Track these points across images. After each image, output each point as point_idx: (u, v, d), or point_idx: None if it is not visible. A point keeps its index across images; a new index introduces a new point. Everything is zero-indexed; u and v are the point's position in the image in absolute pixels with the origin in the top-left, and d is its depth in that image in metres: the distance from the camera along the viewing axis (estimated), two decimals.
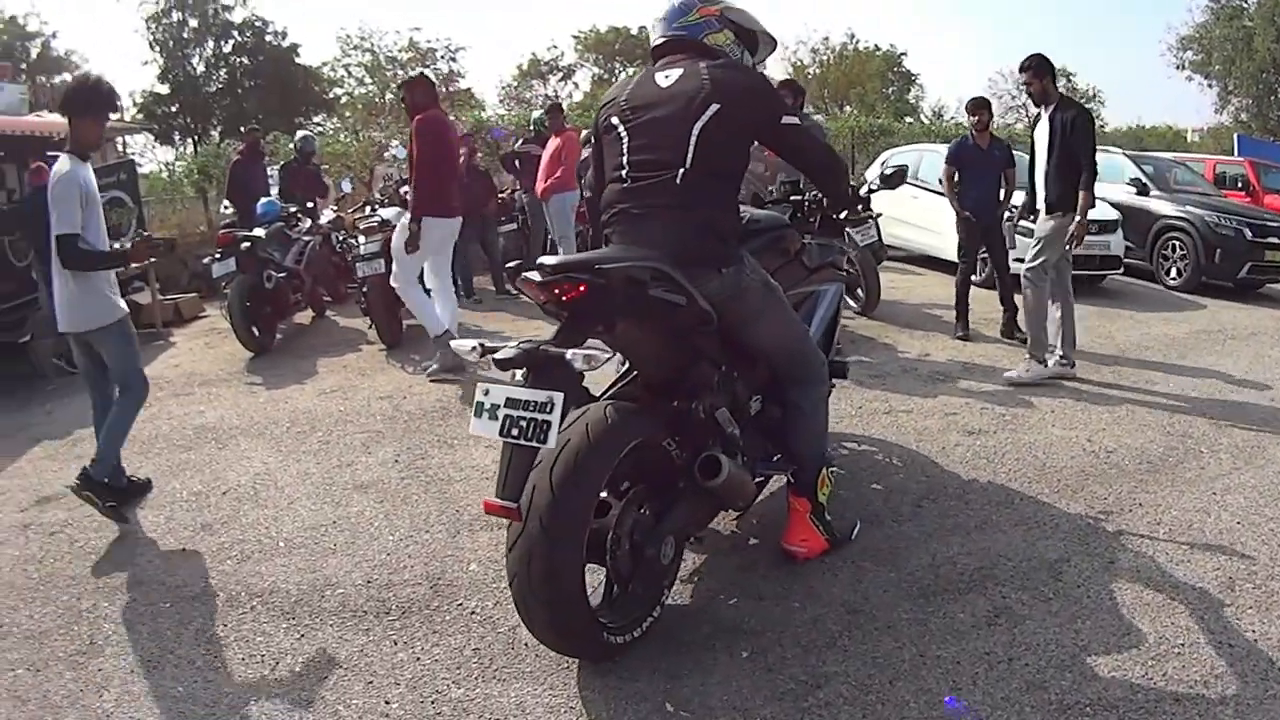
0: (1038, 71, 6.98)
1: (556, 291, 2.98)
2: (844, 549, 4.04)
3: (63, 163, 4.76)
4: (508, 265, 3.75)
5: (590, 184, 4.02)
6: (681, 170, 3.28)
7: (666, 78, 3.44)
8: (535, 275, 2.99)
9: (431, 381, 7.23)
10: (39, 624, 3.83)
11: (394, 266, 7.49)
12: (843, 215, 4.73)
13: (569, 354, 2.87)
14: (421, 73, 8.07)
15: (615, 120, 3.50)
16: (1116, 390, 6.72)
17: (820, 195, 4.47)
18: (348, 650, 3.45)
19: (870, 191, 4.83)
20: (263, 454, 5.76)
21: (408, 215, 7.22)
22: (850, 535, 4.11)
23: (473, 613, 3.67)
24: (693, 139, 3.28)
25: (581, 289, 2.97)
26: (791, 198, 4.69)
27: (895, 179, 4.82)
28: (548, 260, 3.02)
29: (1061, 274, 7.07)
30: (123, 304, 4.96)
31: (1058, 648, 3.27)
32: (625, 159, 3.41)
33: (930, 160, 11.65)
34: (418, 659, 3.36)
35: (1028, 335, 7.36)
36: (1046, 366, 7.03)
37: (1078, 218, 6.70)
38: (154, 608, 3.87)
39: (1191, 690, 3.02)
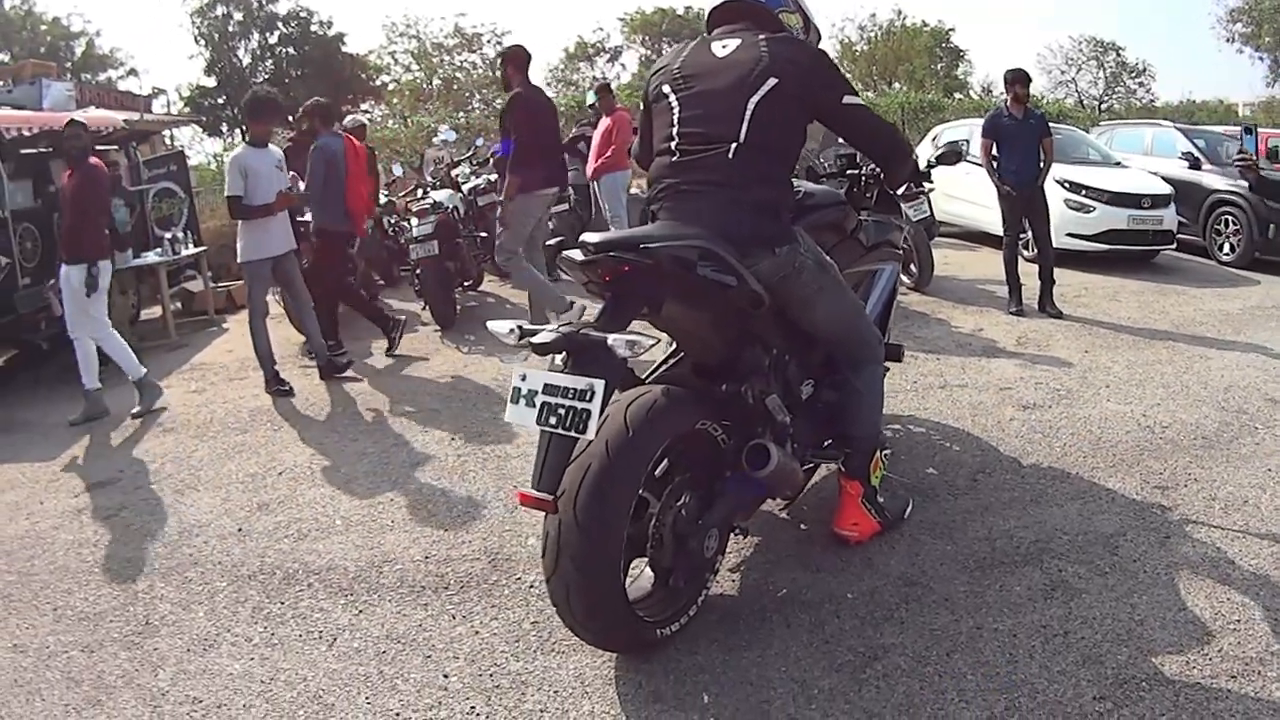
0: None
1: (600, 271, 2.89)
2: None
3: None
4: (547, 244, 3.60)
5: (637, 153, 3.81)
6: (735, 145, 3.11)
7: (724, 47, 3.27)
8: (577, 254, 2.90)
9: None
10: (94, 606, 3.84)
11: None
12: (900, 191, 4.59)
13: (611, 339, 2.72)
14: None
15: (667, 88, 3.33)
16: (1170, 366, 6.63)
17: (877, 170, 4.24)
18: (406, 625, 3.44)
19: (930, 167, 4.57)
20: (318, 435, 5.80)
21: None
22: (903, 515, 4.06)
23: (531, 586, 3.66)
24: (748, 112, 3.11)
25: (625, 269, 2.86)
26: (848, 172, 4.46)
27: (951, 156, 4.65)
28: (591, 238, 2.90)
29: None
30: None
31: (1114, 622, 3.25)
32: (675, 130, 3.25)
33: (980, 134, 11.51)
34: (476, 632, 3.36)
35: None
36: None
37: None
38: (210, 587, 3.89)
39: (1247, 667, 2.99)
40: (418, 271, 8.79)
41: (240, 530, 4.43)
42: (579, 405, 2.68)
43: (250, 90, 7.43)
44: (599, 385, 2.68)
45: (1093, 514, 4.16)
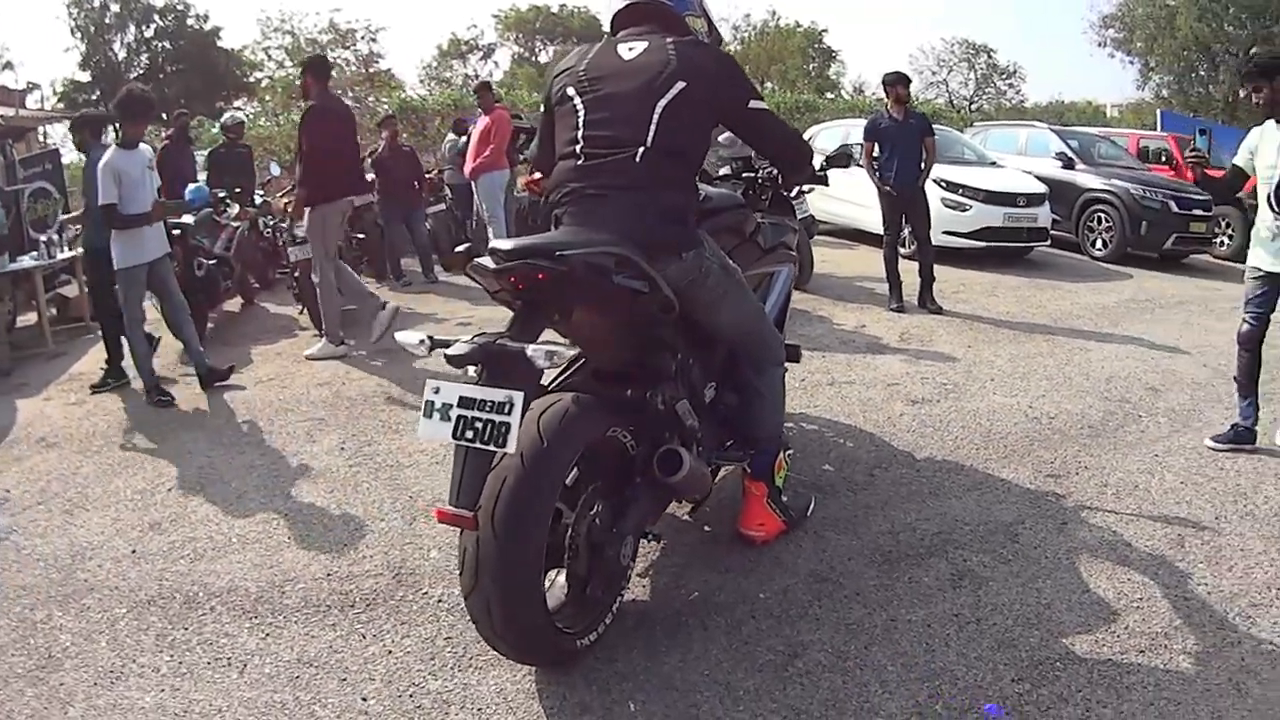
0: None
1: (512, 279, 2.84)
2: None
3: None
4: (457, 249, 3.49)
5: (535, 157, 3.80)
6: (642, 149, 3.09)
7: (630, 50, 3.26)
8: (489, 262, 2.84)
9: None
10: None
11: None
12: (793, 192, 4.63)
13: (530, 350, 2.69)
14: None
15: (571, 91, 3.28)
16: (1052, 358, 6.92)
17: (773, 172, 4.34)
18: (316, 647, 3.34)
19: (824, 169, 4.65)
20: (205, 447, 5.60)
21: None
22: (807, 512, 4.13)
23: (440, 600, 3.61)
24: (656, 116, 3.10)
25: (540, 276, 2.80)
26: (743, 175, 4.52)
27: (842, 159, 4.77)
28: (503, 245, 2.84)
29: None
30: None
31: (1022, 606, 3.38)
32: (581, 133, 3.20)
33: (856, 134, 11.81)
34: (390, 652, 3.28)
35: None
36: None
37: None
38: (110, 615, 3.69)
39: (1154, 642, 3.15)
40: (296, 275, 8.57)
41: (134, 552, 4.24)
42: (498, 418, 2.65)
43: (125, 87, 7.11)
44: (518, 397, 2.64)
45: (991, 504, 4.31)
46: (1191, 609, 3.38)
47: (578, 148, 3.20)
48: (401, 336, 2.96)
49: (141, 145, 6.76)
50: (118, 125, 7.44)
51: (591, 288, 2.90)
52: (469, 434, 2.67)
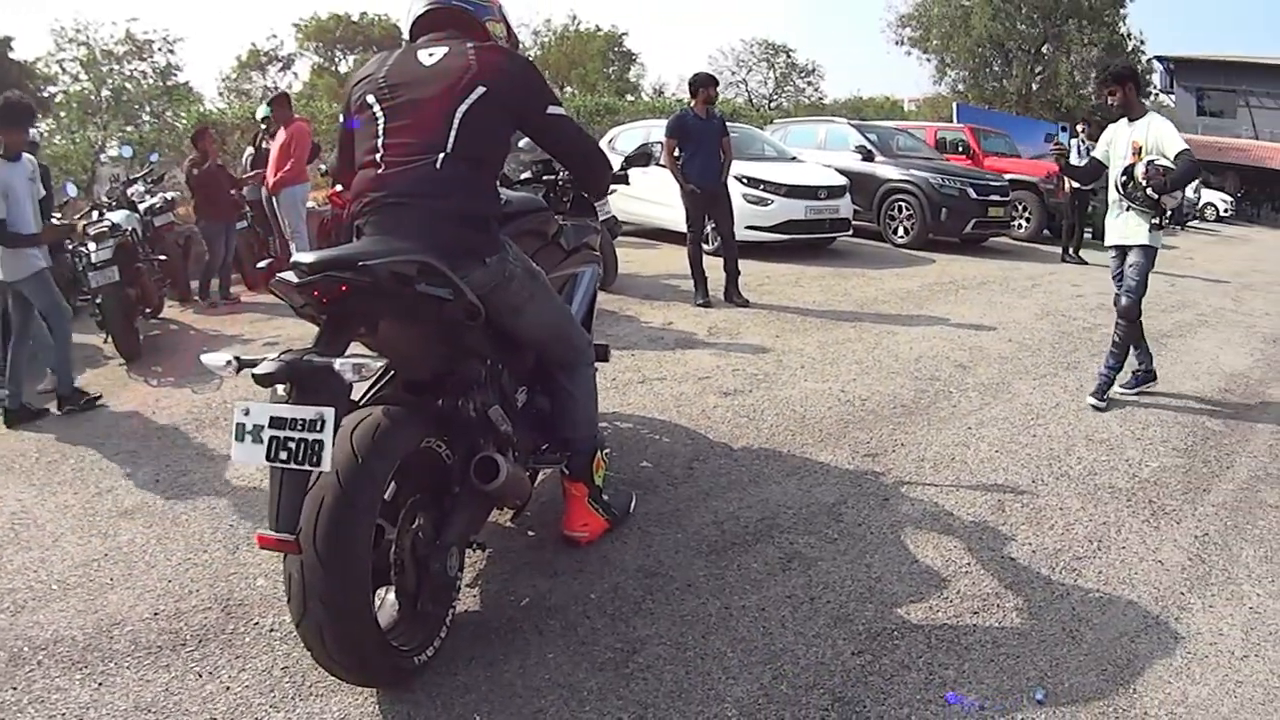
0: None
1: (315, 293, 2.82)
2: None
3: None
4: (259, 264, 3.36)
5: (334, 168, 3.78)
6: (442, 155, 3.13)
7: (431, 55, 3.29)
8: (291, 276, 2.81)
9: None
10: None
11: None
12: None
13: (338, 364, 2.68)
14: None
15: (371, 99, 3.29)
16: (860, 343, 7.18)
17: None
18: (152, 691, 3.20)
19: (624, 169, 4.80)
20: (15, 490, 5.25)
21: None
22: (629, 509, 4.18)
23: (272, 630, 3.51)
24: (456, 121, 3.15)
25: (343, 289, 2.81)
26: (544, 178, 4.60)
27: (642, 158, 4.88)
28: (304, 258, 2.82)
29: None
30: None
31: (854, 583, 3.48)
32: (381, 142, 3.22)
33: (658, 135, 11.97)
34: (227, 688, 3.17)
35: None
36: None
37: None
38: None
39: (986, 603, 3.30)
40: (98, 301, 8.12)
41: None
42: (310, 436, 2.62)
43: (3, 94, 6.72)
44: (329, 413, 2.62)
45: (811, 487, 4.42)
46: (1019, 568, 3.55)
47: (378, 156, 3.20)
48: (207, 358, 2.86)
49: (24, 156, 6.58)
50: None
51: (396, 297, 2.90)
52: (283, 455, 2.64)
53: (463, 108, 3.14)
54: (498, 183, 3.50)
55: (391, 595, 3.09)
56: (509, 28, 3.68)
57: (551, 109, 3.39)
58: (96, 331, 8.58)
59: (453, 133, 3.13)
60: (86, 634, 3.62)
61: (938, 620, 3.19)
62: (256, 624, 3.56)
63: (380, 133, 3.22)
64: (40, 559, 4.32)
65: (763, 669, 2.98)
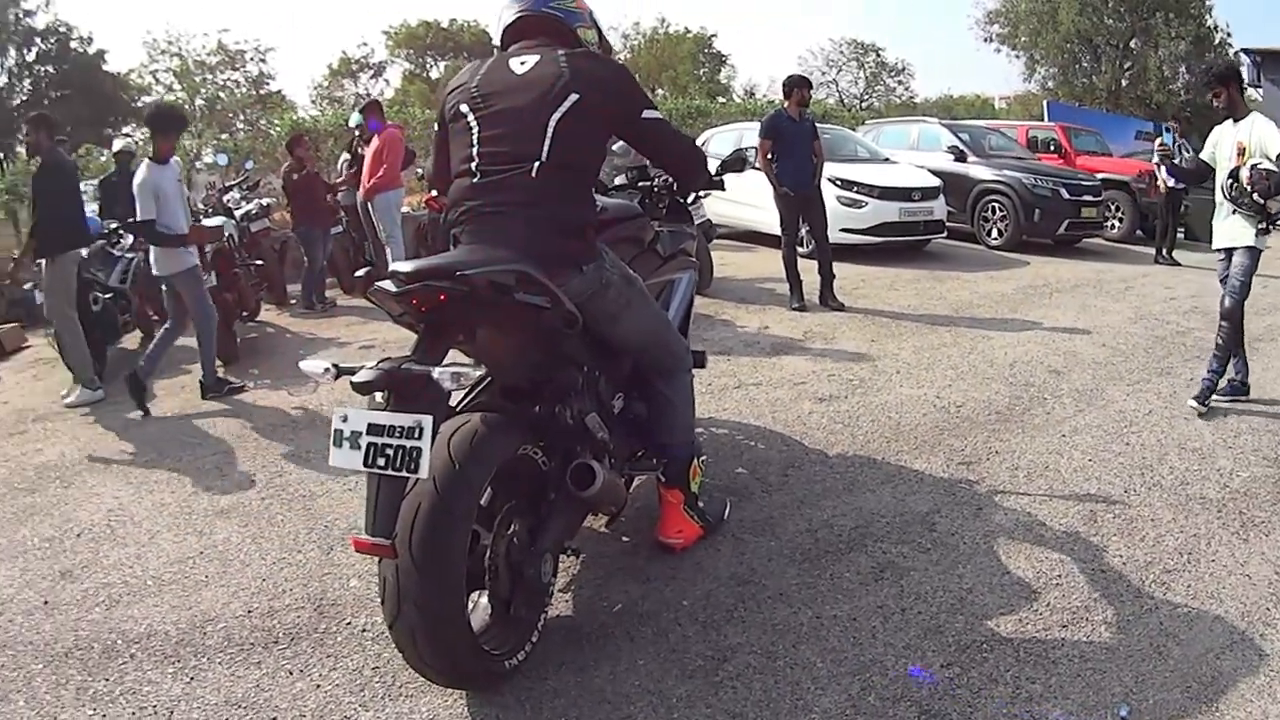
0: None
1: (414, 302, 2.86)
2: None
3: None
4: (356, 273, 3.44)
5: (431, 173, 3.77)
6: (537, 164, 3.13)
7: (522, 64, 3.29)
8: (389, 285, 2.86)
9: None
10: None
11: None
12: (690, 199, 4.66)
13: (435, 372, 2.71)
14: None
15: (465, 108, 3.31)
16: (955, 348, 7.13)
17: (669, 180, 4.35)
18: (243, 688, 3.26)
19: (719, 174, 4.60)
20: (113, 488, 5.44)
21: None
22: (723, 516, 4.18)
23: (364, 630, 3.57)
24: (550, 129, 3.13)
25: (441, 297, 2.83)
26: (639, 184, 4.53)
27: (737, 164, 4.76)
28: (403, 267, 2.88)
29: None
30: None
31: (945, 593, 3.49)
32: (475, 150, 3.23)
33: (751, 138, 11.98)
34: (318, 686, 3.23)
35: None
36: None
37: None
38: (25, 671, 3.57)
39: (1075, 616, 3.29)
40: None
41: (46, 603, 4.09)
42: (408, 443, 2.66)
43: (153, 103, 7.40)
44: (427, 421, 2.66)
45: (905, 495, 4.42)
46: (1108, 581, 3.53)
47: (473, 165, 3.22)
48: (306, 365, 2.95)
49: (173, 160, 7.21)
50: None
51: (494, 306, 2.93)
52: (380, 461, 2.68)
53: (556, 116, 3.14)
54: (593, 190, 3.50)
55: (485, 599, 3.13)
56: (601, 33, 3.69)
57: (647, 113, 3.39)
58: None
59: (547, 141, 3.13)
60: (180, 629, 3.74)
61: (1027, 633, 3.19)
62: (349, 624, 3.64)
63: (475, 141, 3.24)
64: (136, 555, 4.49)
65: (851, 680, 3.00)
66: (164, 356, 7.12)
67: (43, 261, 7.42)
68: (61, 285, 7.35)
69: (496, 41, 3.62)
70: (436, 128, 3.60)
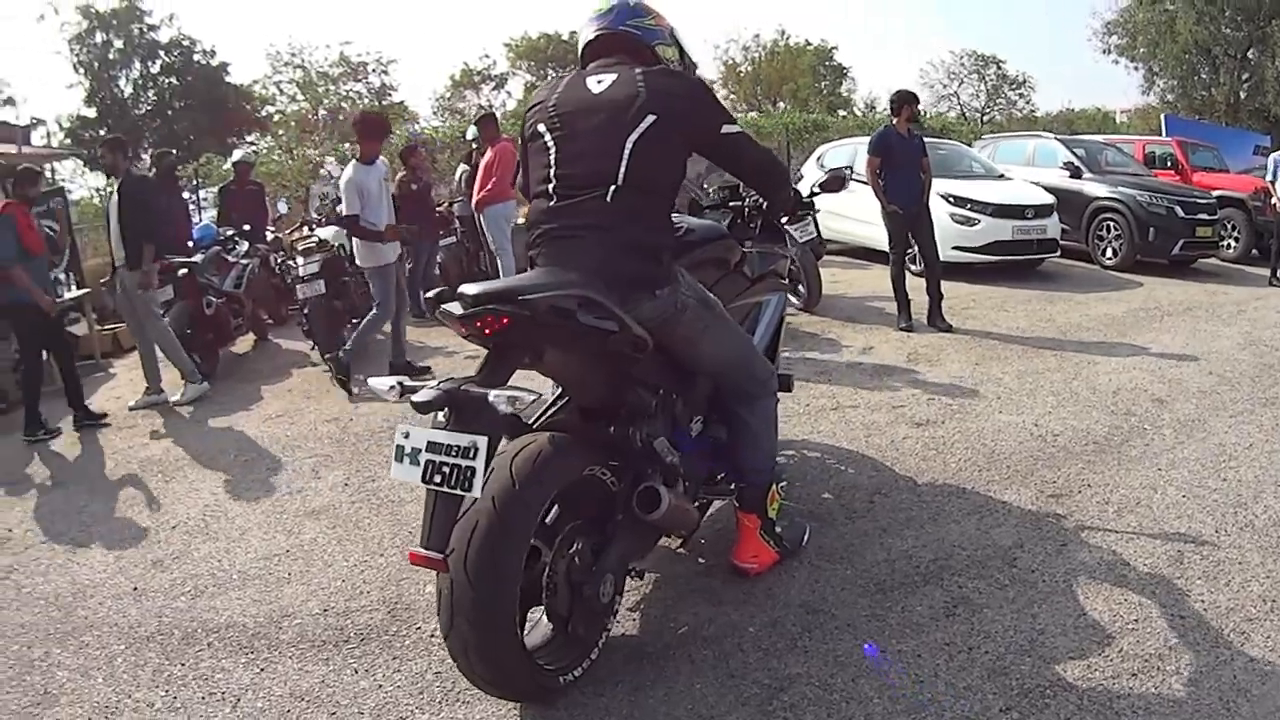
0: None
1: (478, 324, 2.85)
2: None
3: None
4: (427, 295, 3.47)
5: (522, 188, 3.69)
6: (613, 187, 3.09)
7: (599, 82, 3.24)
8: (456, 307, 2.87)
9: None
10: None
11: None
12: (784, 219, 4.60)
13: (492, 396, 2.70)
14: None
15: (542, 128, 3.28)
16: (1059, 373, 6.89)
17: (760, 200, 4.26)
18: (309, 682, 3.39)
19: (812, 195, 4.61)
20: (211, 485, 5.68)
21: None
22: (801, 542, 4.09)
23: (431, 636, 3.61)
24: (626, 152, 3.08)
25: (504, 321, 2.82)
26: (730, 204, 4.47)
27: (834, 183, 4.69)
28: (469, 290, 2.87)
29: None
30: None
31: (1016, 634, 3.36)
32: (552, 172, 3.21)
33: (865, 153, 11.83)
34: (380, 686, 3.32)
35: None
36: None
37: None
38: (108, 651, 3.75)
39: (1146, 664, 3.13)
40: (305, 311, 8.68)
41: (136, 589, 4.30)
42: (463, 463, 2.68)
43: (359, 110, 7.95)
44: (481, 442, 2.67)
45: (990, 528, 4.29)
46: (1187, 628, 3.35)
47: (550, 187, 3.21)
48: (374, 382, 3.00)
49: (379, 161, 7.77)
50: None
51: (558, 330, 2.93)
52: (436, 478, 2.72)
53: (633, 137, 3.09)
54: (672, 211, 3.44)
55: (544, 615, 3.11)
56: (683, 51, 3.63)
57: (726, 128, 3.33)
58: (304, 340, 9.13)
59: (623, 164, 3.10)
60: (258, 622, 3.88)
61: (1094, 680, 3.04)
62: (418, 628, 3.71)
63: (551, 163, 3.22)
64: (225, 549, 4.66)
65: (906, 719, 2.92)
66: (401, 334, 8.10)
67: (122, 270, 7.70)
68: (150, 293, 7.69)
69: (579, 58, 3.60)
70: (521, 144, 3.56)
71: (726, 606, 3.67)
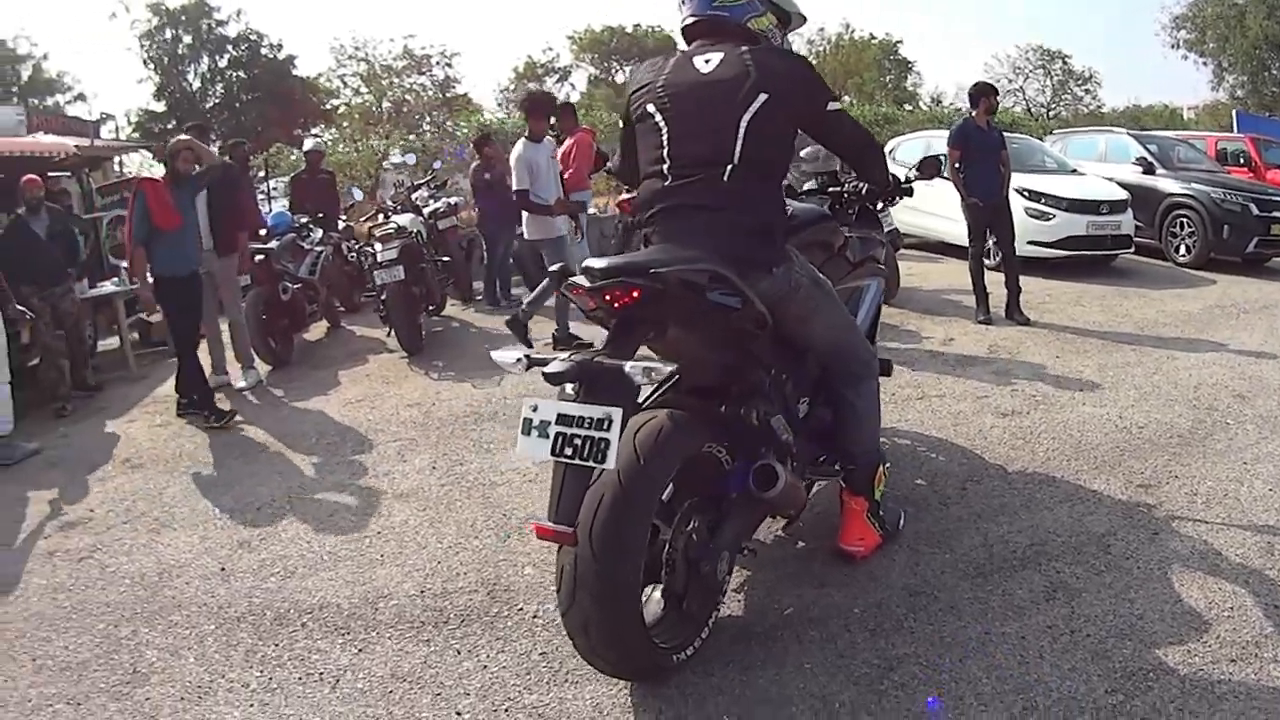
0: None
1: (608, 298, 2.84)
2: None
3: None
4: (550, 270, 3.46)
5: (619, 170, 3.76)
6: (730, 166, 3.06)
7: (706, 62, 3.18)
8: (584, 280, 2.85)
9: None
10: (75, 655, 3.63)
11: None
12: (879, 205, 4.60)
13: (628, 367, 2.68)
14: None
15: (652, 108, 3.23)
16: (1140, 367, 6.85)
17: (859, 185, 4.28)
18: (410, 663, 3.35)
19: (909, 181, 4.56)
20: (294, 467, 5.69)
21: None
22: (899, 525, 4.12)
23: (535, 617, 3.61)
24: (741, 132, 3.06)
25: (634, 294, 2.80)
26: (829, 189, 4.44)
27: (930, 169, 4.68)
28: (596, 264, 2.86)
29: None
30: None
31: (1115, 618, 3.39)
32: (665, 152, 3.17)
33: (938, 146, 11.69)
34: (484, 667, 3.28)
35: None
36: None
37: None
38: (198, 630, 3.72)
39: (1244, 651, 3.15)
40: (383, 297, 8.70)
41: (223, 570, 4.28)
42: (596, 435, 2.64)
43: (526, 88, 8.30)
44: (616, 413, 2.64)
45: (1082, 515, 4.31)
46: None
47: (664, 167, 3.18)
48: (498, 355, 2.98)
49: (547, 139, 8.10)
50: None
51: (685, 305, 2.93)
52: (568, 451, 2.68)
53: (747, 117, 3.07)
54: (783, 192, 3.43)
55: (658, 594, 3.09)
56: (778, 9, 3.52)
57: (831, 105, 3.33)
58: (380, 326, 9.08)
59: (739, 144, 3.07)
60: (352, 603, 3.83)
61: (1194, 665, 3.08)
62: (520, 609, 3.67)
63: (664, 143, 3.18)
64: (314, 530, 4.63)
65: (1014, 698, 2.96)
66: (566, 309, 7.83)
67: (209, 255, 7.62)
68: (238, 278, 7.86)
69: (680, 38, 3.54)
70: (622, 125, 3.55)
71: (830, 588, 3.70)
